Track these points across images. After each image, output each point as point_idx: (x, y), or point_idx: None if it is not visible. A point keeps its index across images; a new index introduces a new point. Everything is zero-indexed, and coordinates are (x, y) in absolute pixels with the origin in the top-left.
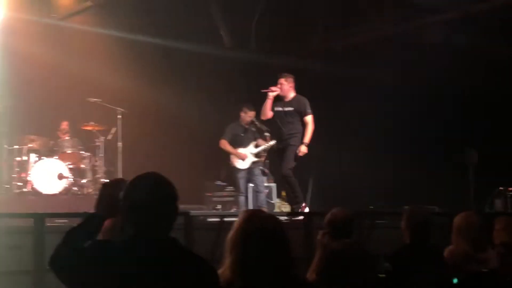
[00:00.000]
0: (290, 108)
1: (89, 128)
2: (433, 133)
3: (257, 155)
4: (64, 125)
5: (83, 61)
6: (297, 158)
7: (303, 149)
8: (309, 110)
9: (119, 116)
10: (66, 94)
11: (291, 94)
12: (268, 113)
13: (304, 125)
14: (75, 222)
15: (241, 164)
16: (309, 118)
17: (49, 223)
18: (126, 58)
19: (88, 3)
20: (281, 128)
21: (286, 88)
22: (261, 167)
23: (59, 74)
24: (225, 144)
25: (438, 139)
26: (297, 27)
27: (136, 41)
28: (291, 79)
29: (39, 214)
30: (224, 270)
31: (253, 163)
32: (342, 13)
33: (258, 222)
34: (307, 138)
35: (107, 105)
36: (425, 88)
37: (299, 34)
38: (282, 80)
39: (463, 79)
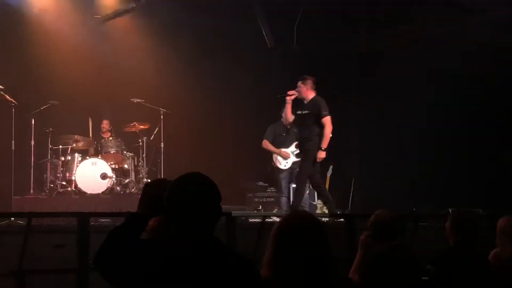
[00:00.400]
0: (307, 111)
1: (132, 129)
2: (477, 134)
3: (298, 155)
4: (105, 124)
5: (126, 61)
6: (315, 162)
7: (320, 155)
8: (325, 112)
9: (162, 117)
10: (109, 94)
11: (310, 96)
12: (289, 117)
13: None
14: (118, 221)
15: (283, 165)
16: (325, 120)
17: (93, 222)
18: (168, 58)
19: (132, 4)
20: (298, 132)
21: (304, 90)
22: None
23: (103, 74)
24: (267, 144)
25: (482, 139)
26: (340, 27)
27: (178, 42)
28: (309, 81)
29: (84, 213)
30: (263, 268)
31: (294, 163)
32: (385, 12)
33: (296, 220)
34: (324, 142)
35: (149, 105)
36: (470, 88)
37: (342, 35)
38: (299, 83)
39: (510, 77)
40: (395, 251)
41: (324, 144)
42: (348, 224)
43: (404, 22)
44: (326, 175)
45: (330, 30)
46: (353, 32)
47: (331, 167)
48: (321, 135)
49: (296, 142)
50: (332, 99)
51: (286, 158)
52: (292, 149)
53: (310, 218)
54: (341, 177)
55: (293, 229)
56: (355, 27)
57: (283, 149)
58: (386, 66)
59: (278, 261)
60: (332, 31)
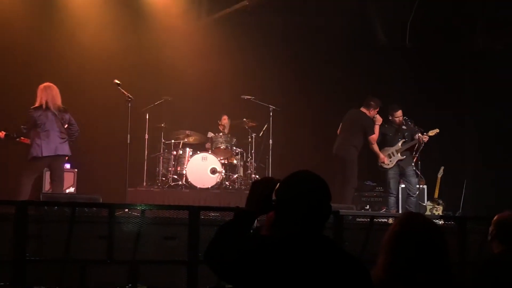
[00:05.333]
0: None
1: (241, 125)
2: None
3: (403, 153)
4: (224, 118)
5: (236, 59)
6: None
7: None
8: None
9: (271, 114)
10: (219, 91)
11: None
12: None
13: None
14: (227, 216)
15: (386, 164)
16: None
17: (203, 216)
18: (278, 56)
19: (245, 2)
20: None
21: None
22: (414, 168)
23: (212, 71)
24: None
25: None
26: (455, 25)
27: (287, 40)
28: None
29: (195, 207)
30: (377, 270)
31: (399, 161)
32: (504, 9)
33: (417, 226)
34: None
35: (259, 102)
36: None
37: (457, 32)
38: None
39: None
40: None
41: None
42: (460, 227)
43: None
44: (437, 176)
45: (444, 28)
46: (470, 30)
47: (442, 168)
48: None
49: (403, 140)
50: (445, 99)
51: (383, 161)
52: (397, 148)
53: (431, 223)
54: (454, 178)
55: (414, 234)
56: (472, 25)
57: (387, 148)
58: (504, 66)
59: (396, 264)
60: (447, 29)
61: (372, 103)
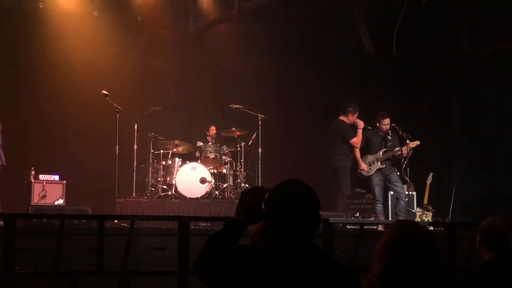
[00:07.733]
0: None
1: (230, 135)
2: None
3: (383, 162)
4: (212, 129)
5: (225, 68)
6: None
7: None
8: None
9: (260, 122)
10: (208, 100)
11: None
12: None
13: None
14: (217, 225)
15: (365, 171)
16: None
17: (192, 226)
18: (267, 65)
19: (232, 12)
20: None
21: None
22: (399, 173)
23: (202, 80)
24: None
25: None
26: (442, 31)
27: (277, 49)
28: None
29: (184, 217)
30: (370, 278)
31: (379, 169)
32: (490, 15)
33: (412, 233)
34: None
35: (248, 111)
36: None
37: (444, 39)
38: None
39: None
40: (504, 260)
41: None
42: (449, 233)
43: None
44: (426, 183)
45: (431, 35)
46: (456, 37)
47: (431, 174)
48: None
49: (384, 149)
50: (432, 104)
51: (362, 168)
52: (377, 156)
53: (425, 230)
54: (441, 185)
55: (408, 241)
56: (458, 32)
57: (369, 156)
58: (491, 72)
59: (392, 272)
60: (433, 36)
61: (349, 108)
